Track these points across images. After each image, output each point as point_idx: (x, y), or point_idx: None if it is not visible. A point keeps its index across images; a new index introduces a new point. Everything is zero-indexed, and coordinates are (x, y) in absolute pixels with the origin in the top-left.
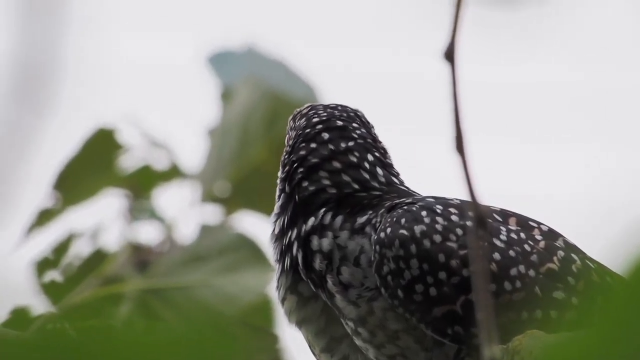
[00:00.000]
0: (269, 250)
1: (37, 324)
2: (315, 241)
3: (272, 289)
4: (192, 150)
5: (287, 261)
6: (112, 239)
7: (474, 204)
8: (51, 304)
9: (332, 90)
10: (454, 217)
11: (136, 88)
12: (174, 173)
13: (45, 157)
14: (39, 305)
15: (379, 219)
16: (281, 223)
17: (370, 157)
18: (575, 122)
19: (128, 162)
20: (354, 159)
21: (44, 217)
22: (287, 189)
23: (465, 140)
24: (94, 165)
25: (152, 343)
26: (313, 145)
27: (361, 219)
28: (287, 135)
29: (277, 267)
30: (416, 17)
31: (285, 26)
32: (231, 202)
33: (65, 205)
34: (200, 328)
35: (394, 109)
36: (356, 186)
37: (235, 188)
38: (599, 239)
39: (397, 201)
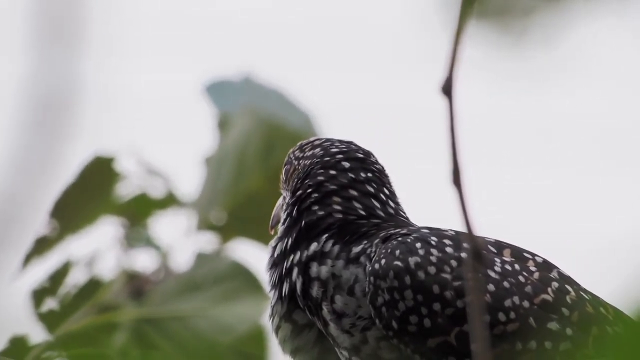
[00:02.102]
0: (265, 278)
1: (34, 352)
2: (314, 268)
3: (266, 318)
4: (188, 179)
5: (286, 287)
6: (109, 267)
7: (470, 236)
8: (48, 333)
9: (330, 120)
10: (448, 249)
11: (133, 116)
12: (170, 201)
13: (54, 183)
14: (37, 334)
15: (373, 249)
16: (283, 246)
17: (385, 190)
18: (577, 154)
19: (124, 190)
20: (372, 189)
21: (42, 245)
22: (294, 212)
23: (462, 174)
24: (91, 193)
25: None
26: (332, 172)
27: (356, 249)
28: (290, 165)
29: (272, 294)
30: (415, 50)
31: (281, 56)
32: (227, 231)
33: (63, 233)
34: (196, 358)
35: (390, 140)
36: (363, 213)
37: (231, 216)
38: (604, 275)
39: (392, 231)
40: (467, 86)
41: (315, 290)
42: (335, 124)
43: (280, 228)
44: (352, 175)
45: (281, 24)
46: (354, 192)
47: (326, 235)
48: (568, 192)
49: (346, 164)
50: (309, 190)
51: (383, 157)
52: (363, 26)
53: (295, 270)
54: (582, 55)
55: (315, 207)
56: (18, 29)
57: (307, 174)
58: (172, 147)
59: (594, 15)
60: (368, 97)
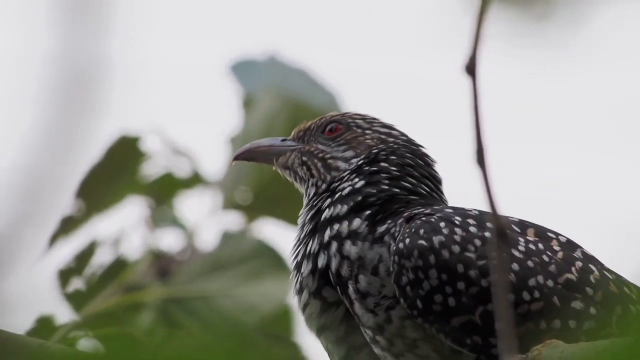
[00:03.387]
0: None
1: (61, 332)
2: (347, 246)
3: (291, 295)
4: (213, 158)
5: (323, 260)
6: (134, 247)
7: (494, 215)
8: (75, 313)
9: (354, 98)
10: (472, 228)
11: (159, 96)
12: (195, 180)
13: (80, 162)
14: (63, 314)
15: (397, 229)
16: (333, 212)
17: (439, 176)
18: (603, 129)
19: (150, 170)
20: (439, 177)
21: (68, 225)
22: (358, 183)
23: (486, 153)
24: (117, 173)
25: (173, 352)
26: (415, 159)
27: (381, 228)
28: (347, 128)
29: (305, 264)
30: (438, 29)
31: (307, 35)
32: (252, 210)
33: (89, 213)
34: (222, 338)
35: (415, 117)
36: (425, 191)
37: (257, 195)
38: (628, 250)
39: (416, 211)
40: (491, 65)
41: (345, 269)
42: (358, 102)
43: (344, 190)
44: (430, 161)
45: (306, 3)
46: (423, 174)
47: (368, 212)
48: (593, 170)
49: (425, 152)
50: (393, 168)
51: (407, 133)
52: (387, 5)
53: (335, 246)
54: (605, 34)
55: (385, 186)
56: (45, 6)
57: (392, 150)
58: (198, 126)
59: None
60: (392, 77)
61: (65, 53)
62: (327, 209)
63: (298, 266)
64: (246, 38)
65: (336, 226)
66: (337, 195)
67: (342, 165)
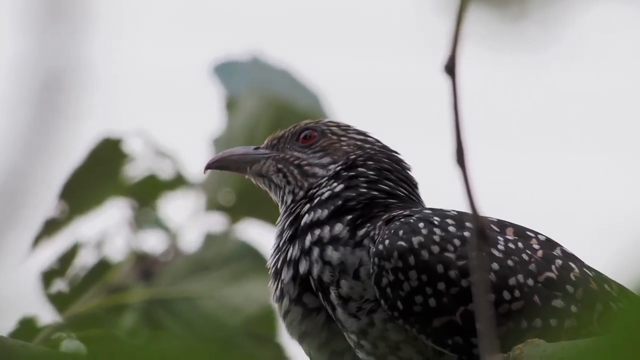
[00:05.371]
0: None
1: (43, 334)
2: (329, 251)
3: (272, 297)
4: (197, 160)
5: (305, 265)
6: (118, 249)
7: (474, 215)
8: (57, 314)
9: (337, 99)
10: (451, 228)
11: (142, 97)
12: (178, 182)
13: (62, 164)
14: (46, 316)
15: (377, 231)
16: (314, 217)
17: (415, 180)
18: (580, 129)
19: (133, 172)
20: (415, 181)
21: (51, 227)
22: (337, 187)
23: (466, 153)
24: (100, 174)
25: (156, 353)
26: (392, 164)
27: (360, 232)
28: (322, 135)
29: (285, 271)
30: (418, 29)
31: (290, 36)
32: (235, 211)
33: (72, 215)
34: (206, 339)
35: (397, 118)
36: (403, 194)
37: (240, 197)
38: (606, 249)
39: (395, 213)
40: (470, 65)
41: (327, 275)
42: (341, 103)
43: (322, 195)
44: (406, 165)
45: (289, 4)
46: (401, 176)
47: (350, 217)
48: (572, 169)
49: (401, 158)
50: (371, 172)
51: (388, 137)
52: (368, 6)
53: (316, 252)
54: (583, 33)
55: (364, 189)
56: (25, 7)
57: (369, 155)
58: (181, 128)
59: None
60: (373, 77)
61: (47, 55)
62: (307, 214)
63: (277, 273)
64: (229, 39)
65: (317, 232)
66: (316, 200)
67: (319, 171)
